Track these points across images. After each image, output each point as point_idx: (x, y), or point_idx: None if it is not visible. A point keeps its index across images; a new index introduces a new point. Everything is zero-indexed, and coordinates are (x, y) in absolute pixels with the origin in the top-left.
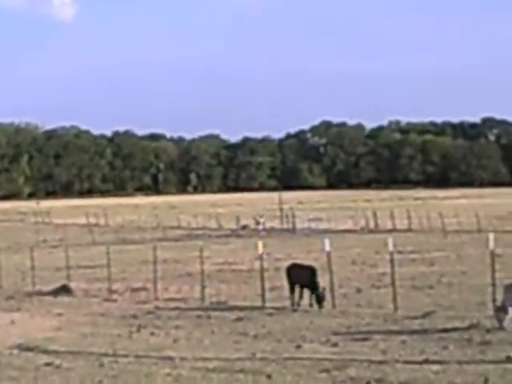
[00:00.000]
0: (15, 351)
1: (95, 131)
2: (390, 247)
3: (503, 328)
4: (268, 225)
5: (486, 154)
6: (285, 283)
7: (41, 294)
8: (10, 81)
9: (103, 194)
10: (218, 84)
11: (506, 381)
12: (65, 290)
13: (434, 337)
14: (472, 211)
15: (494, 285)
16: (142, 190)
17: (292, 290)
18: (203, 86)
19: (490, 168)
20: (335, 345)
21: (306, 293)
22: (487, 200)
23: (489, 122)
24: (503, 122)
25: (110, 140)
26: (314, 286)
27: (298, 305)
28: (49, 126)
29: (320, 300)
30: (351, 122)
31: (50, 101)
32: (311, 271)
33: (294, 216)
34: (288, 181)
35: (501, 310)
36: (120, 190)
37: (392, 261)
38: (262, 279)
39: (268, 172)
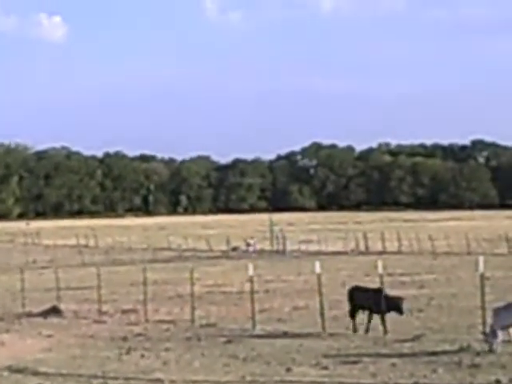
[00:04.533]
0: (5, 373)
1: (86, 152)
2: (380, 269)
3: (493, 351)
4: (258, 246)
5: (476, 177)
6: (275, 305)
7: (30, 315)
8: (0, 102)
9: (93, 214)
10: (209, 105)
11: None
12: (55, 311)
13: (423, 360)
14: (462, 233)
15: (483, 308)
16: (132, 211)
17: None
18: (194, 108)
19: (480, 190)
20: (325, 368)
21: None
22: (477, 222)
23: (478, 145)
24: (492, 145)
25: (101, 161)
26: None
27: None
28: (39, 147)
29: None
30: (341, 144)
31: (41, 122)
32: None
33: (284, 238)
34: (278, 202)
35: (490, 335)
36: (110, 211)
37: (382, 283)
38: (253, 301)
39: (258, 193)
